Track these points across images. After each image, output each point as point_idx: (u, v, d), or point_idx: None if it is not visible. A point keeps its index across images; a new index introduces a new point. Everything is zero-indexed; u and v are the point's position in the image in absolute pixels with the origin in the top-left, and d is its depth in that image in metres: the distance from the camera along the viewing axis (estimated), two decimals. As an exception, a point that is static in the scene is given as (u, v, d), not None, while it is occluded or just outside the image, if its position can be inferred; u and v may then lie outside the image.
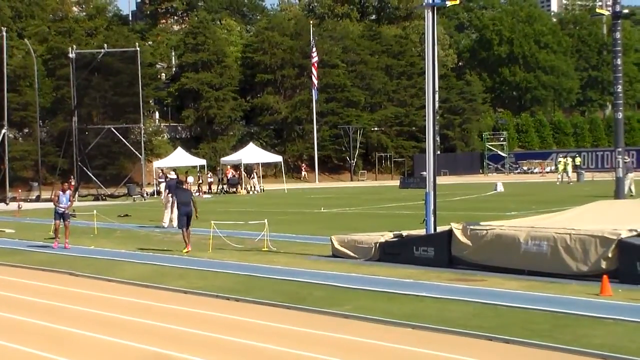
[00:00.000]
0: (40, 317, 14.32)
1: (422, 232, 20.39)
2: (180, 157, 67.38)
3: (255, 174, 67.47)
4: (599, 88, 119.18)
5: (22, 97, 69.92)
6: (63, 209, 25.50)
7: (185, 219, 23.91)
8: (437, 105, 21.82)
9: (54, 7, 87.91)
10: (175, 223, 31.49)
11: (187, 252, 23.11)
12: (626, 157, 38.06)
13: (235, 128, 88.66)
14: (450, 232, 18.53)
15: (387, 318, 13.02)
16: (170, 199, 31.85)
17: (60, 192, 25.99)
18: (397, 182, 71.72)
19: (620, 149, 34.31)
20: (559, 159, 71.18)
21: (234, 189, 65.89)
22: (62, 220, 25.55)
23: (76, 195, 54.80)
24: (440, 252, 18.66)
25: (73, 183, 61.04)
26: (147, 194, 61.25)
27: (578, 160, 75.52)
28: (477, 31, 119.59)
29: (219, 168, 70.47)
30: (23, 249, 25.95)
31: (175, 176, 36.04)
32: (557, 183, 63.61)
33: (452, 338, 11.77)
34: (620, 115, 34.13)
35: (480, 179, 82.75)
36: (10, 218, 40.42)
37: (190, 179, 63.60)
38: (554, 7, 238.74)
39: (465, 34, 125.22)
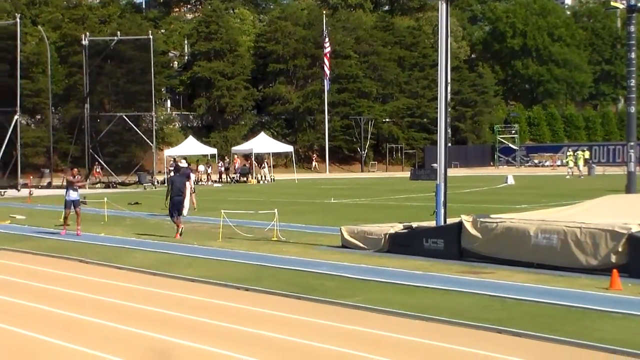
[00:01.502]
0: (49, 303, 14.37)
1: (432, 224, 20.37)
2: (192, 146, 67.45)
3: (265, 163, 67.54)
4: (612, 82, 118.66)
5: (35, 84, 70.00)
6: (73, 197, 25.52)
7: (176, 208, 24.70)
8: (449, 97, 21.78)
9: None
10: (185, 212, 31.62)
11: (177, 238, 23.92)
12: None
13: (246, 117, 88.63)
14: (460, 225, 18.51)
15: (396, 309, 13.02)
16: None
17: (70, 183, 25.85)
18: (407, 174, 71.64)
19: (632, 143, 34.23)
20: (568, 153, 70.95)
21: (245, 179, 65.98)
22: (72, 207, 25.62)
23: (87, 182, 55.04)
24: (450, 244, 18.64)
25: (99, 170, 61.58)
26: (157, 182, 61.35)
27: (587, 154, 75.30)
28: (490, 23, 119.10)
29: (227, 158, 70.51)
30: (34, 235, 26.04)
31: (186, 164, 36.06)
32: (567, 177, 63.42)
33: (462, 330, 11.78)
34: (632, 109, 34.03)
35: (491, 171, 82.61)
36: (22, 204, 40.56)
37: (201, 167, 63.78)
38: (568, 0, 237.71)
39: (479, 26, 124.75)
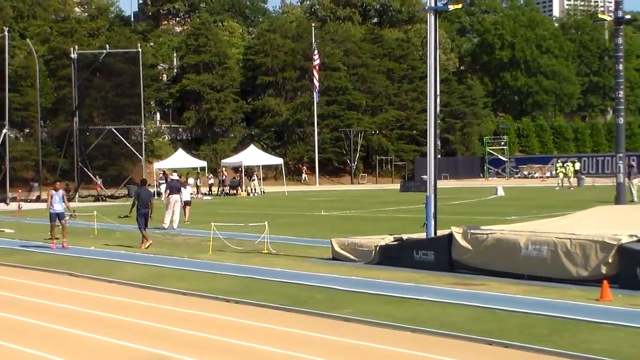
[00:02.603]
0: (40, 317, 14.32)
1: (422, 235, 20.38)
2: (181, 159, 67.34)
3: (255, 176, 67.51)
4: (600, 93, 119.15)
5: (24, 97, 69.83)
6: (57, 210, 25.48)
7: (144, 219, 25.76)
8: (438, 109, 21.83)
9: (56, 8, 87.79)
10: (175, 225, 31.61)
11: (146, 247, 24.83)
12: (632, 162, 38.11)
13: (236, 130, 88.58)
14: (450, 236, 18.53)
15: (387, 321, 13.02)
16: (171, 199, 31.87)
17: (54, 192, 25.93)
18: (397, 186, 71.70)
19: (621, 154, 34.37)
20: (558, 165, 71.12)
21: (234, 191, 65.93)
22: (57, 220, 25.54)
23: (76, 196, 54.88)
24: (440, 256, 18.66)
25: (99, 183, 61.42)
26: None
27: (577, 165, 75.53)
28: (478, 35, 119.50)
29: (219, 170, 70.46)
30: (23, 249, 25.95)
31: (177, 177, 36.03)
32: (557, 189, 63.58)
33: (452, 342, 11.78)
34: (621, 120, 34.21)
35: (481, 183, 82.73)
36: (11, 218, 40.44)
37: (191, 180, 63.69)
38: (556, 12, 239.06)
39: (467, 38, 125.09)
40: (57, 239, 25.68)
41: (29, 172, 69.44)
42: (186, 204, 34.11)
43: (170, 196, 31.93)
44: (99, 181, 62.86)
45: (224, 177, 67.46)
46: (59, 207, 25.52)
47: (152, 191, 28.89)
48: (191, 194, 36.67)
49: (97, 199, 58.70)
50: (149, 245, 25.05)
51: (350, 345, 11.75)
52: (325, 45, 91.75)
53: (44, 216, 32.46)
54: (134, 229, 32.42)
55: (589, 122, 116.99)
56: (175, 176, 36.49)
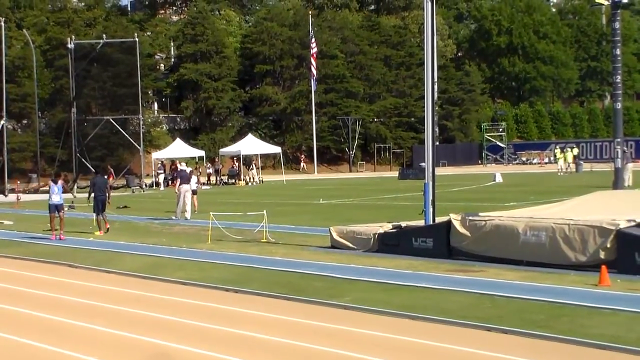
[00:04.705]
0: (39, 308, 14.34)
1: (421, 223, 20.41)
2: (179, 148, 67.36)
3: (254, 165, 67.50)
4: (598, 78, 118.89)
5: (21, 88, 69.74)
6: (56, 202, 25.53)
7: (100, 205, 27.24)
8: (436, 95, 21.83)
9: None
10: (188, 215, 31.64)
11: (99, 234, 26.43)
12: (625, 148, 38.13)
13: (234, 119, 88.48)
14: (449, 223, 18.54)
15: (386, 309, 13.04)
16: (181, 189, 31.94)
17: (52, 183, 25.99)
18: (396, 173, 71.71)
19: (619, 139, 34.38)
20: (556, 151, 71.15)
21: (233, 180, 65.93)
22: (56, 212, 25.57)
23: (75, 187, 54.85)
24: (439, 243, 18.68)
25: (111, 171, 61.49)
26: (146, 185, 61.27)
27: (576, 150, 75.55)
28: (476, 21, 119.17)
29: (217, 159, 70.46)
30: (22, 240, 25.97)
31: (185, 167, 36.05)
32: (559, 174, 63.62)
33: (451, 329, 11.80)
34: (619, 105, 34.21)
35: (479, 169, 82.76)
36: (9, 209, 40.45)
37: (188, 169, 63.60)
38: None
39: (464, 24, 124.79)
40: (56, 230, 25.70)
41: (28, 164, 69.42)
42: (193, 192, 34.18)
43: (180, 186, 32.07)
44: (111, 170, 63.10)
45: (220, 166, 67.48)
46: (57, 198, 25.55)
47: (106, 179, 31.19)
48: (196, 183, 36.77)
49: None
50: (108, 230, 26.93)
51: (349, 333, 11.77)
52: (323, 33, 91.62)
53: (42, 207, 32.51)
54: (133, 219, 32.55)
55: (587, 107, 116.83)
56: (184, 166, 36.47)
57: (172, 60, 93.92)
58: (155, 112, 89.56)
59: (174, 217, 31.87)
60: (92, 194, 27.81)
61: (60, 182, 26.31)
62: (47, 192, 26.73)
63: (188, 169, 35.53)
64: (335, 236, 20.97)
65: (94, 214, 27.56)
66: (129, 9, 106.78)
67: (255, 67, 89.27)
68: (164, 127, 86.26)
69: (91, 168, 61.06)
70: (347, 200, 40.25)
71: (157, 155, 66.83)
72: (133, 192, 56.93)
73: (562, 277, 15.38)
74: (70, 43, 62.04)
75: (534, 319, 11.99)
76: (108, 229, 27.18)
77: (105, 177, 33.38)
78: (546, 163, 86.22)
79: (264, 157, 77.05)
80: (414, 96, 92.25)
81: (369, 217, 27.66)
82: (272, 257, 19.47)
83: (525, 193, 40.22)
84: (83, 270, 19.31)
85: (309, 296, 14.43)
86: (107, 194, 27.68)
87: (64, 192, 26.92)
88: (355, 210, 34.06)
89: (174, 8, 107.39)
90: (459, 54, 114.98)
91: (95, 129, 65.55)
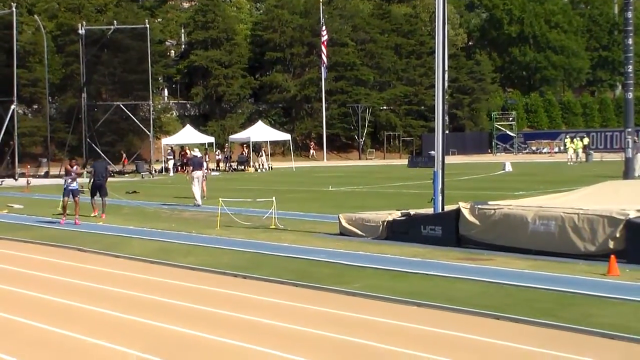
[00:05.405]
0: (48, 292, 14.39)
1: (430, 211, 20.37)
2: (189, 135, 67.41)
3: (263, 152, 67.55)
4: (609, 68, 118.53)
5: (32, 74, 69.87)
6: (73, 187, 25.67)
7: (97, 190, 27.82)
8: (446, 84, 21.76)
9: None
10: (200, 201, 31.57)
11: (94, 216, 27.28)
12: (636, 138, 37.98)
13: (244, 106, 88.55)
14: (458, 212, 18.51)
15: (394, 296, 13.04)
16: (195, 175, 31.94)
17: (69, 167, 26.16)
18: (405, 161, 71.72)
19: (630, 129, 34.23)
20: (566, 140, 71.05)
21: (242, 167, 66.01)
22: (71, 196, 25.68)
23: (84, 172, 54.99)
24: (447, 231, 18.66)
25: (125, 157, 62.28)
26: (155, 171, 61.36)
27: (586, 140, 75.39)
28: (487, 10, 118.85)
29: (227, 146, 70.54)
30: (32, 224, 26.05)
31: (198, 154, 36.02)
32: (569, 164, 63.51)
33: (459, 317, 11.79)
34: (630, 95, 34.03)
35: (489, 158, 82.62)
36: (19, 194, 40.54)
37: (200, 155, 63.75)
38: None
39: (476, 13, 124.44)
40: (67, 214, 25.78)
41: (38, 148, 69.63)
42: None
43: (193, 172, 32.09)
44: (125, 156, 63.64)
45: (230, 153, 67.54)
46: (74, 184, 25.74)
47: (106, 165, 31.71)
48: (206, 169, 36.74)
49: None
50: (100, 214, 27.31)
51: (358, 320, 11.78)
52: (334, 21, 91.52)
53: (52, 192, 32.67)
54: (142, 205, 32.60)
55: (597, 97, 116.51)
56: (196, 152, 36.45)
57: (183, 46, 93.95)
58: (165, 98, 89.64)
59: (197, 203, 31.52)
60: (92, 180, 28.46)
61: (76, 167, 26.54)
62: (58, 176, 26.93)
63: (199, 155, 35.54)
64: (344, 223, 20.97)
65: (90, 197, 28.22)
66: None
67: (265, 55, 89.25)
68: (174, 114, 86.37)
69: (101, 153, 61.30)
70: (357, 188, 40.23)
71: (166, 141, 66.94)
72: (142, 177, 57.02)
73: (571, 266, 15.34)
74: (81, 29, 62.14)
75: (543, 307, 11.98)
76: (97, 215, 27.42)
77: (199, 164, 33.38)
78: (556, 152, 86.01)
79: (274, 144, 77.10)
80: (424, 84, 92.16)
81: (378, 204, 27.62)
82: (281, 244, 19.48)
83: (535, 182, 40.14)
84: (92, 254, 19.37)
85: (317, 283, 14.44)
86: (105, 178, 28.28)
87: (77, 175, 27.05)
88: (364, 197, 34.04)
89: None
90: (470, 43, 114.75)
91: (105, 114, 65.70)
